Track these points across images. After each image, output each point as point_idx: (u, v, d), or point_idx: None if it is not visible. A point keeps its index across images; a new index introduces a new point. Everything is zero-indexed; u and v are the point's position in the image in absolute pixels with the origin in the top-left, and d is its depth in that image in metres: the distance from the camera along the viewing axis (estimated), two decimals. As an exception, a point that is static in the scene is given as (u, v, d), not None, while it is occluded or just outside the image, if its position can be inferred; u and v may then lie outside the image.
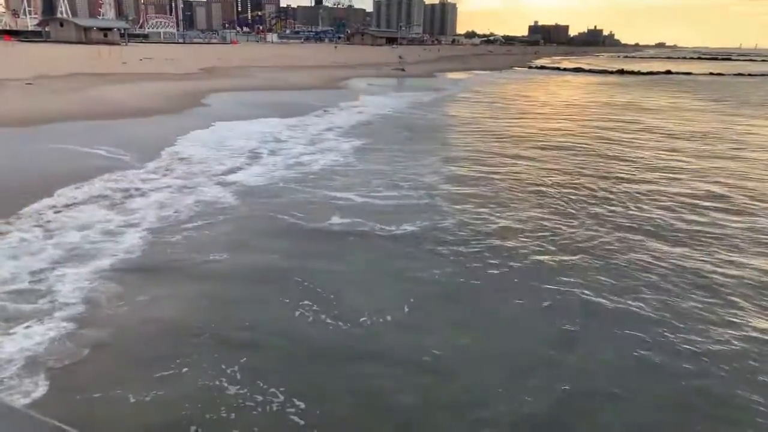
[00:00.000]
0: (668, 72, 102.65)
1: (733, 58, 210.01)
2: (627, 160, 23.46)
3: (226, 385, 7.60)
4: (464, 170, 20.60)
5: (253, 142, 24.46)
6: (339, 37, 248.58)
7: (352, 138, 26.57)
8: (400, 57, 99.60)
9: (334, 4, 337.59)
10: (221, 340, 8.71)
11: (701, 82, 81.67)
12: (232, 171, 19.44)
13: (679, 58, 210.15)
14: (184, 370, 7.89)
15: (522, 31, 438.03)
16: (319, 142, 25.39)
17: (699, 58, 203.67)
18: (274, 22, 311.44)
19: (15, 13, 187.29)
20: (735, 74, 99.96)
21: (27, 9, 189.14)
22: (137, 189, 16.25)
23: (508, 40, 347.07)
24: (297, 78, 57.11)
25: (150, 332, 8.94)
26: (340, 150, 23.69)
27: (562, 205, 16.40)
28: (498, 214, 15.31)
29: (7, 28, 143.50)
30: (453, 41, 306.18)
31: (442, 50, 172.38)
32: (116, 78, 44.23)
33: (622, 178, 19.96)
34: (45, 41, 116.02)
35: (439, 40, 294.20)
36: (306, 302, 9.94)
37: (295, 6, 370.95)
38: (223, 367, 7.96)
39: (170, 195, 16.07)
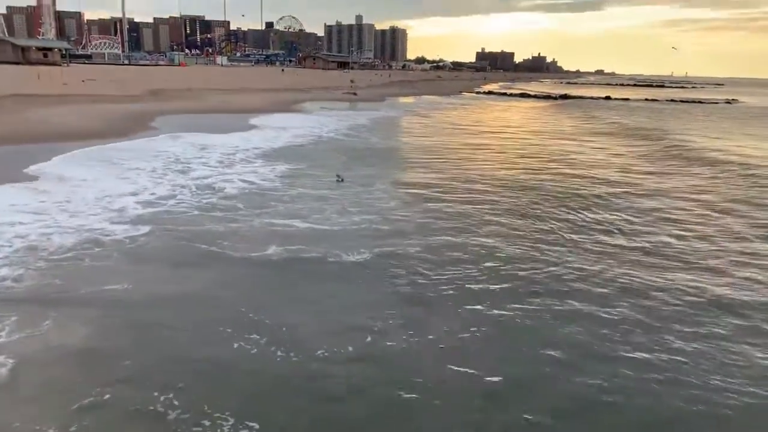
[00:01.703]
0: (608, 98, 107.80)
1: (666, 85, 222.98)
2: (582, 175, 24.29)
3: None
4: (414, 193, 20.74)
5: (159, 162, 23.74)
6: (290, 61, 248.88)
7: (284, 161, 25.81)
8: (351, 81, 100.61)
9: (286, 28, 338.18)
10: (142, 372, 8.33)
11: (641, 107, 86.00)
12: (129, 194, 18.21)
13: (617, 84, 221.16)
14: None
15: (470, 58, 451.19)
16: (240, 163, 24.83)
17: (635, 85, 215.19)
18: (224, 44, 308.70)
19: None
20: (668, 100, 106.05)
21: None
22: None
23: (457, 66, 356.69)
24: (247, 101, 56.63)
25: (55, 364, 8.47)
26: (267, 173, 22.95)
27: (514, 225, 16.73)
28: (455, 238, 15.29)
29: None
30: (404, 66, 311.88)
31: (393, 75, 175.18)
32: (57, 99, 42.62)
33: (562, 193, 20.63)
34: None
35: (390, 65, 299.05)
36: (255, 336, 9.49)
37: (246, 29, 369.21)
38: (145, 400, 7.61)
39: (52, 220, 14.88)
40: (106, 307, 10.38)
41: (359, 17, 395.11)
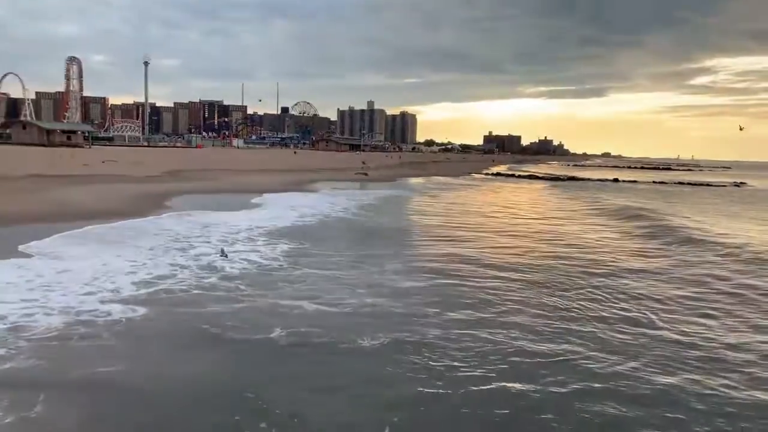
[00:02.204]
0: (616, 180, 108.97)
1: (672, 167, 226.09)
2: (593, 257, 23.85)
3: None
4: (428, 274, 20.36)
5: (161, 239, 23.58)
6: (304, 143, 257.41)
7: (290, 240, 25.54)
8: (363, 162, 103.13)
9: (300, 113, 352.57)
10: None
11: (649, 189, 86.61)
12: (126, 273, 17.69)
13: (624, 167, 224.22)
14: None
15: (478, 140, 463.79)
16: (243, 242, 24.60)
17: (642, 167, 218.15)
18: (240, 127, 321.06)
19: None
20: (676, 183, 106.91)
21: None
22: None
23: (465, 149, 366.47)
24: (260, 181, 57.80)
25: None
26: (269, 252, 22.54)
27: (533, 309, 16.19)
28: (474, 326, 14.46)
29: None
30: (413, 149, 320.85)
31: (403, 156, 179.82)
32: (76, 180, 43.73)
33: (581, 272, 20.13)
34: (5, 143, 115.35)
35: (400, 147, 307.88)
36: (263, 425, 8.90)
37: (262, 113, 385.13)
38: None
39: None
40: (98, 392, 9.85)
41: (371, 103, 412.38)
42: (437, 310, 15.74)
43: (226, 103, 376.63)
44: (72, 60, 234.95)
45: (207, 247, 22.77)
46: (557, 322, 15.08)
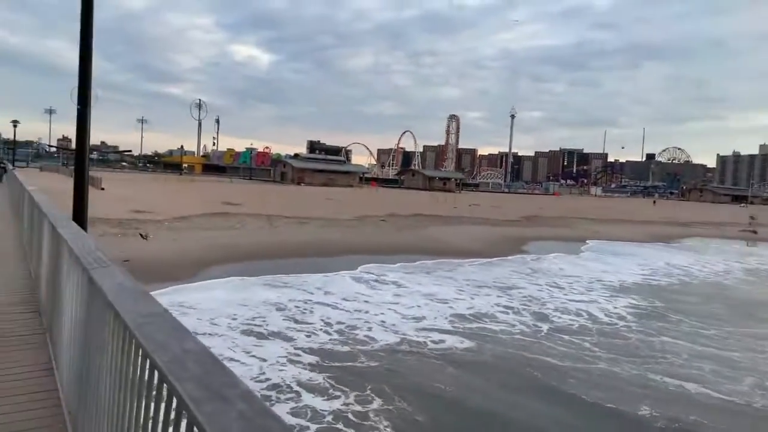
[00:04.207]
0: None
1: None
2: None
3: None
4: None
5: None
6: (671, 193, 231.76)
7: (640, 298, 22.79)
8: (751, 217, 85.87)
9: (669, 159, 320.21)
10: None
11: None
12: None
13: None
14: None
15: None
16: (584, 293, 22.53)
17: None
18: (599, 175, 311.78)
19: (382, 165, 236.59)
20: None
21: (391, 162, 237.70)
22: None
23: None
24: (616, 231, 54.30)
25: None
26: (615, 308, 20.38)
27: None
28: None
29: (374, 176, 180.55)
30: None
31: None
32: (448, 220, 49.85)
33: None
34: (399, 187, 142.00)
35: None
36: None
37: (624, 161, 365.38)
38: None
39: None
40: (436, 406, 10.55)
41: (764, 147, 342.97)
42: None
43: (586, 151, 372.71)
44: (452, 118, 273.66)
45: (538, 291, 22.79)
46: None
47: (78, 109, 7.93)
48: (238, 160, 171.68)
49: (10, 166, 43.39)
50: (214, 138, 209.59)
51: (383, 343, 14.61)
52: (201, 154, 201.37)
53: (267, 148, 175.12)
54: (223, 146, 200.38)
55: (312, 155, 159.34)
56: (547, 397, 11.81)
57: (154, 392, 1.83)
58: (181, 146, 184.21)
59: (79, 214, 8.13)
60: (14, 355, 4.98)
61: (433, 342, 15.04)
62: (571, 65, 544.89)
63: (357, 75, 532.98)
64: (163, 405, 1.74)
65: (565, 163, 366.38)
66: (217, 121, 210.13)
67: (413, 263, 27.37)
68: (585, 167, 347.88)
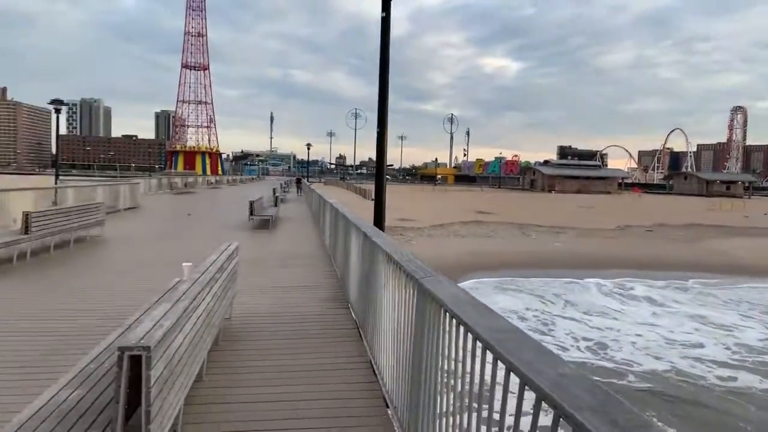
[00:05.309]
0: None
1: None
2: None
3: None
4: None
5: None
6: None
7: None
8: None
9: None
10: None
11: None
12: None
13: None
14: None
15: None
16: None
17: None
18: None
19: (645, 169, 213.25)
20: None
21: (656, 165, 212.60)
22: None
23: None
24: None
25: None
26: None
27: None
28: None
29: (637, 181, 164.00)
30: None
31: None
32: (736, 231, 42.24)
33: None
34: (667, 193, 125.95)
35: None
36: None
37: None
38: None
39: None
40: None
41: None
42: None
43: None
44: (736, 110, 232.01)
45: None
46: None
47: (377, 132, 8.95)
48: (487, 169, 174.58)
49: (305, 181, 52.11)
50: (464, 149, 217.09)
51: (646, 368, 13.10)
52: (452, 165, 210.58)
53: (515, 156, 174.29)
54: (471, 156, 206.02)
55: (563, 161, 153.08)
56: None
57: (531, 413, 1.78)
58: (435, 159, 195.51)
59: (378, 222, 9.14)
60: (340, 346, 5.75)
61: (717, 377, 12.84)
62: None
63: (613, 72, 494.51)
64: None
65: None
66: (467, 133, 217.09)
67: (686, 281, 23.96)
68: None
